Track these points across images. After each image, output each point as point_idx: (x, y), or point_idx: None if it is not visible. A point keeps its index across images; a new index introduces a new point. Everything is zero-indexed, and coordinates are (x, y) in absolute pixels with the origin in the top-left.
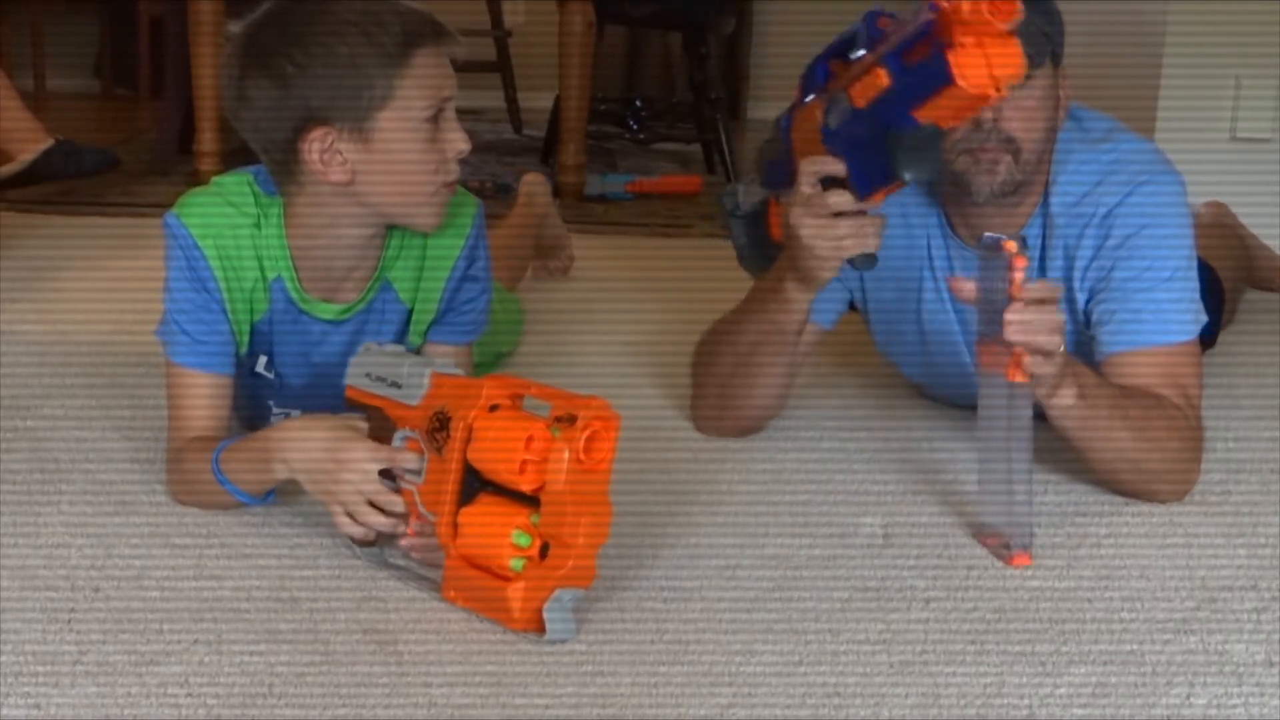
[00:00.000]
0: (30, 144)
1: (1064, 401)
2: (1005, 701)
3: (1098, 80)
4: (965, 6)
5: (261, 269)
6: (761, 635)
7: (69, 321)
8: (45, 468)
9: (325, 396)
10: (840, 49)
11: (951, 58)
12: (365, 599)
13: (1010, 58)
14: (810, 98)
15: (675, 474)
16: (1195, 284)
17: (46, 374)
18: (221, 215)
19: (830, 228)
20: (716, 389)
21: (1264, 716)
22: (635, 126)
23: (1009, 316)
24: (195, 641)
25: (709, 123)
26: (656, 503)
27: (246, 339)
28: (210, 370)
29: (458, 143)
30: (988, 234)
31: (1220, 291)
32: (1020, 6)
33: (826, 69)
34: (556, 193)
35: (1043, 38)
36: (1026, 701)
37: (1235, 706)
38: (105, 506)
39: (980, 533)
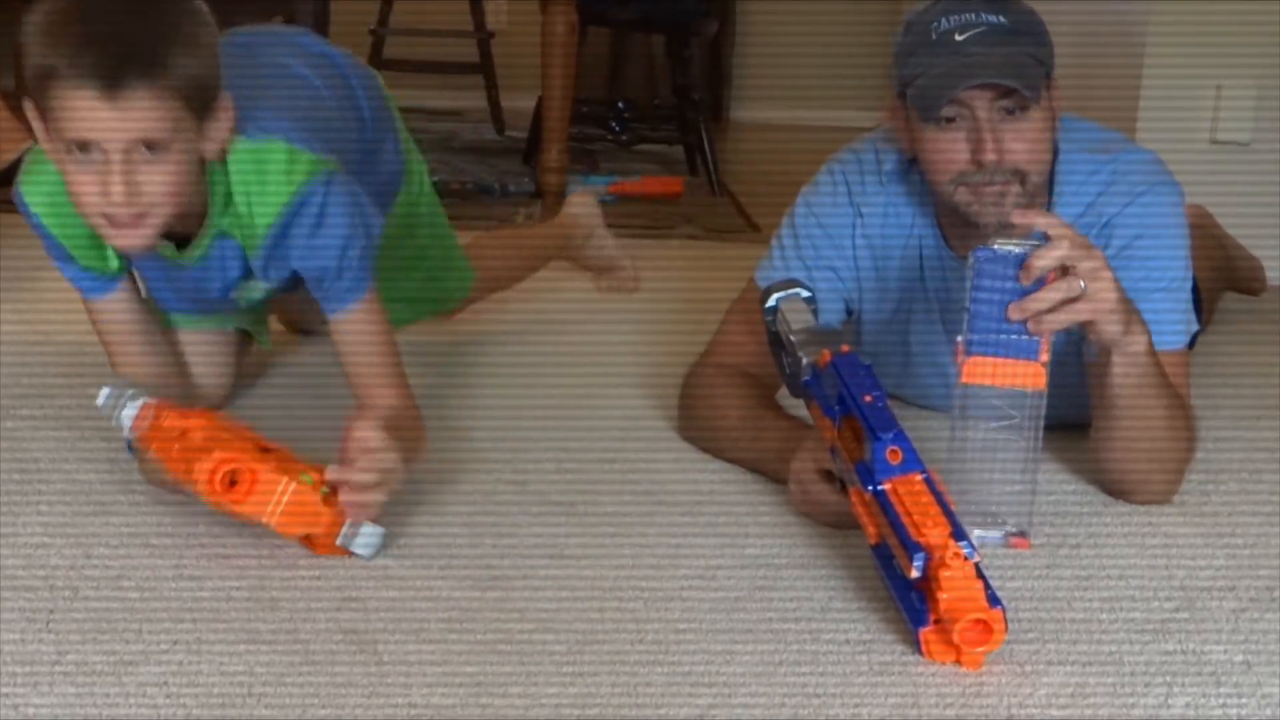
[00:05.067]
0: (11, 144)
1: (1136, 347)
2: (984, 703)
3: (1079, 83)
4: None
5: None
6: (742, 637)
7: (49, 322)
8: (24, 468)
9: (212, 315)
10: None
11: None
12: (345, 600)
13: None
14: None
15: (657, 475)
16: (1189, 294)
17: (26, 375)
18: (56, 181)
19: (818, 515)
20: (705, 434)
21: (1241, 718)
22: (618, 128)
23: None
24: (174, 643)
25: (691, 125)
26: (637, 504)
27: (118, 261)
28: (105, 294)
29: (86, 193)
30: (980, 248)
31: (1197, 295)
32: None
33: (845, 413)
34: (538, 193)
35: (1036, 65)
36: (1005, 703)
37: (1213, 709)
38: (84, 508)
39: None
